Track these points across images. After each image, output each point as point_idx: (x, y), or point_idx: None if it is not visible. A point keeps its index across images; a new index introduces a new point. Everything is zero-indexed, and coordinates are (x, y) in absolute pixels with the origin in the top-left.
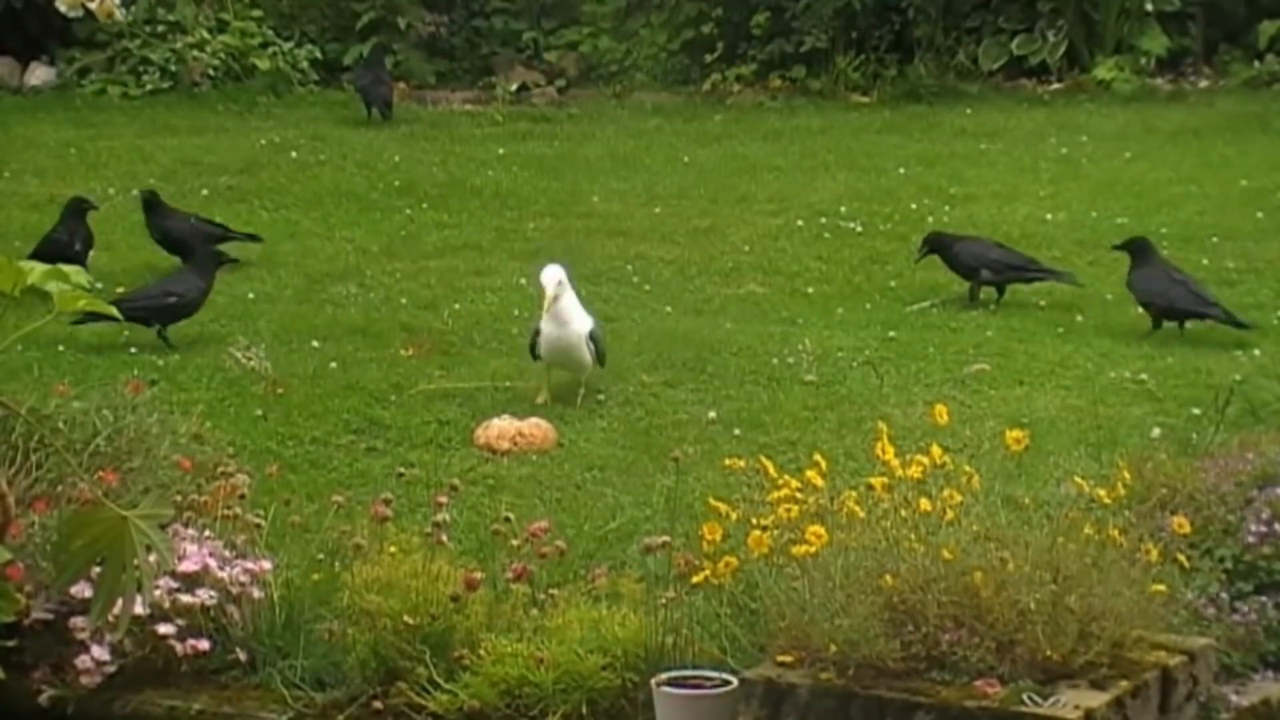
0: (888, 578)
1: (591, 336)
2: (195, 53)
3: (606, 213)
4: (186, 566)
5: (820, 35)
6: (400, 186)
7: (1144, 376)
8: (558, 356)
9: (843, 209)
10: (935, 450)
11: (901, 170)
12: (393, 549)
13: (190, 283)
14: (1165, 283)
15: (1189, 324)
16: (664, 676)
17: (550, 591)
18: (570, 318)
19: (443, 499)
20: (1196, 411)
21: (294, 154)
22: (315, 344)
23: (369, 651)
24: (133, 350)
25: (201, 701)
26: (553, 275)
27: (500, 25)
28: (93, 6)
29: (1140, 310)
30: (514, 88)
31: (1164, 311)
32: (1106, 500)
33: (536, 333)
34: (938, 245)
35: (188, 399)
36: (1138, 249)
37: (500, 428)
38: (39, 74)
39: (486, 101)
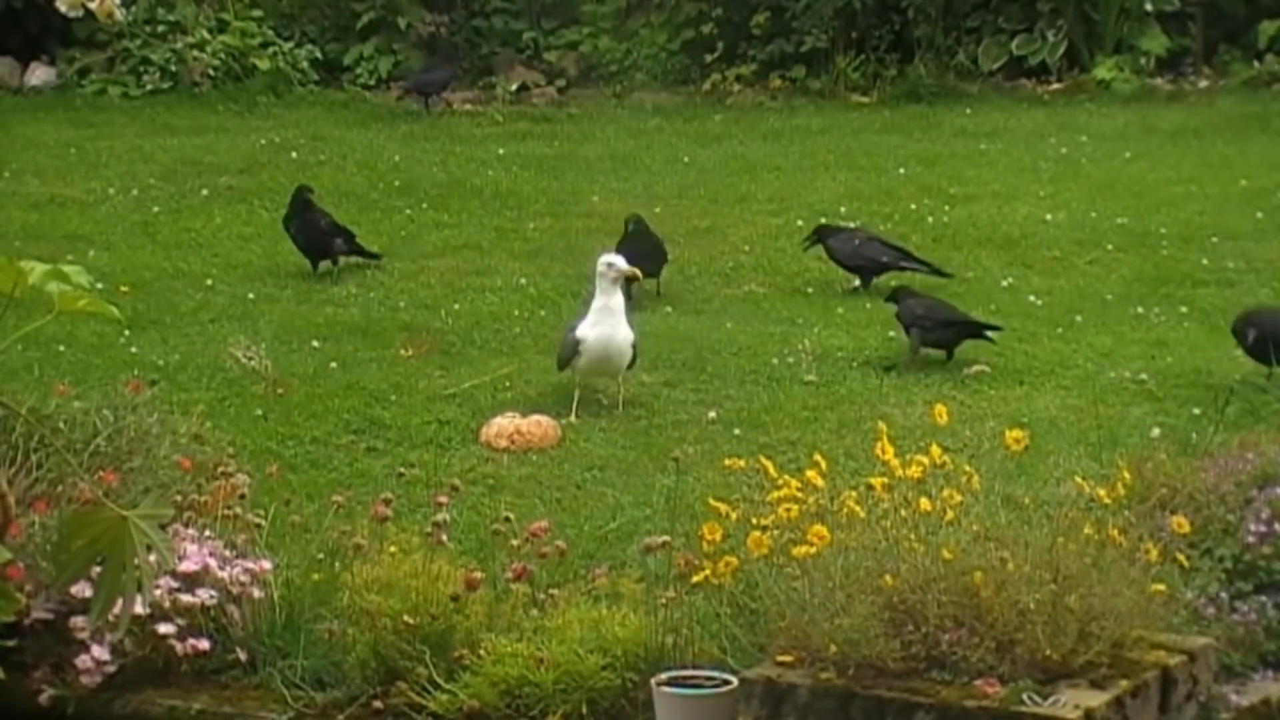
0: (888, 578)
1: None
2: (195, 53)
3: (606, 213)
4: (186, 566)
5: (820, 35)
6: (400, 186)
7: (1144, 376)
8: (607, 362)
9: (843, 209)
10: (935, 450)
11: (901, 170)
12: (393, 549)
13: None
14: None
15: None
16: (664, 676)
17: (550, 591)
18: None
19: (443, 499)
20: (1196, 411)
21: (294, 154)
22: (315, 344)
23: (369, 651)
24: (133, 350)
25: (201, 701)
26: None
27: (500, 25)
28: (93, 6)
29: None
30: (514, 88)
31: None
32: (1106, 500)
33: (576, 341)
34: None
35: (188, 399)
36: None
37: (500, 425)
38: (39, 74)
39: (486, 101)
